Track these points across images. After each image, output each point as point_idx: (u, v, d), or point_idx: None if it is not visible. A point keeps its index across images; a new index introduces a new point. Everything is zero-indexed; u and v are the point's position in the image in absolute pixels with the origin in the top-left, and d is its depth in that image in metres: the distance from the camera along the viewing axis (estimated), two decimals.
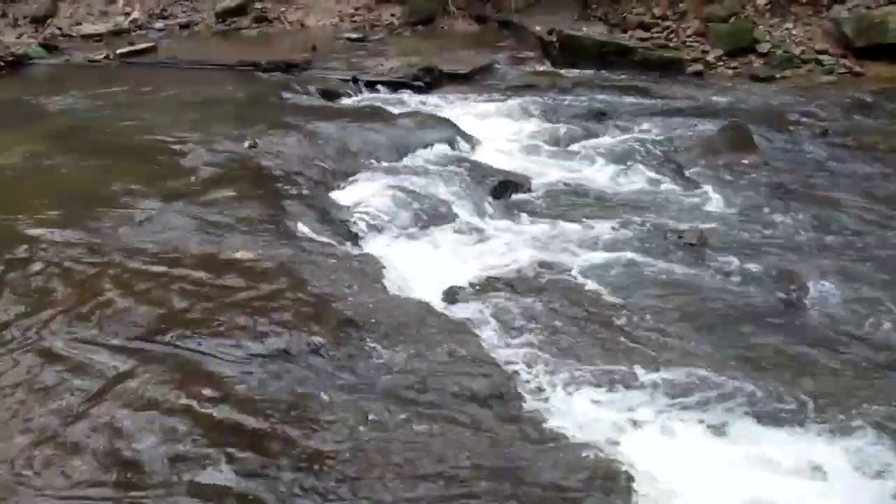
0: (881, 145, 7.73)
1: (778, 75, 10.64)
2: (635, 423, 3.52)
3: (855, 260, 5.31)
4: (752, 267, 5.09)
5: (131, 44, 12.62)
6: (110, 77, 10.57)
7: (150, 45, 12.62)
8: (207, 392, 3.33)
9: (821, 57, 10.88)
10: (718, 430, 3.50)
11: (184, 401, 3.27)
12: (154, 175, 5.97)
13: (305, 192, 5.89)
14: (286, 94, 9.25)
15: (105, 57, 11.90)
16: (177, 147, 6.61)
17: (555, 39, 11.65)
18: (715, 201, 6.37)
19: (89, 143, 7.03)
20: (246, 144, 6.65)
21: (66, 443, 3.01)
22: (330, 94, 9.56)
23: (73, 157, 6.57)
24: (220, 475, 2.91)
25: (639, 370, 3.89)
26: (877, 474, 3.25)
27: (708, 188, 6.61)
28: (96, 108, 8.39)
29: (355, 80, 10.22)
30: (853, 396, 3.74)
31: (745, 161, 7.20)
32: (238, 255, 4.62)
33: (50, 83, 10.47)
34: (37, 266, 4.41)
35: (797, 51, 11.03)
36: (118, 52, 12.00)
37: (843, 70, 10.62)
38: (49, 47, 12.44)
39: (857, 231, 5.82)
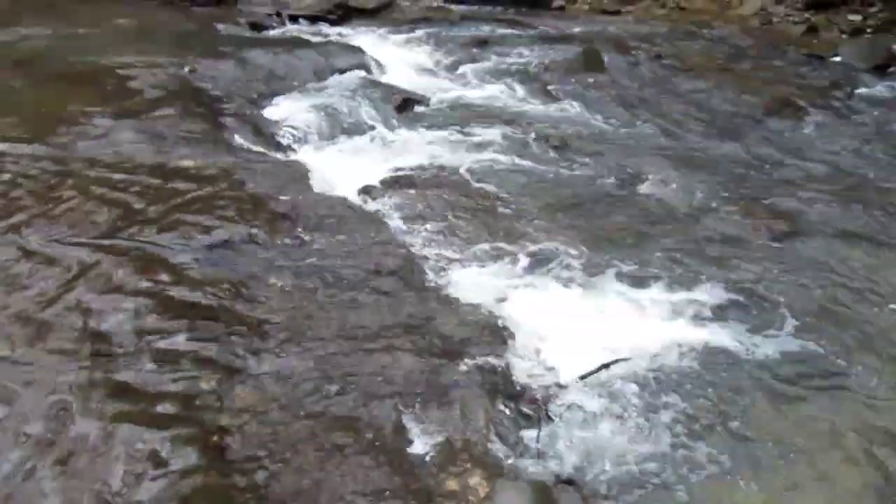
0: (699, 66, 7.88)
1: (623, 9, 10.63)
2: (514, 288, 3.60)
3: (682, 156, 5.47)
4: (603, 163, 5.19)
5: None
6: (57, 9, 9.62)
7: None
8: (164, 277, 3.21)
9: None
10: (580, 289, 3.62)
11: (144, 284, 3.13)
12: (105, 96, 5.53)
13: (240, 109, 5.58)
14: (218, 26, 8.64)
15: None
16: (124, 72, 6.12)
17: None
18: (574, 112, 6.41)
19: (44, 69, 6.41)
20: (185, 69, 6.23)
21: (43, 322, 2.86)
22: (257, 26, 8.99)
23: (31, 82, 6.00)
24: (180, 342, 2.83)
25: (517, 247, 3.96)
26: (696, 314, 3.46)
27: (568, 101, 6.62)
28: (48, 38, 7.62)
29: (279, 14, 9.63)
30: (682, 259, 3.92)
31: (597, 79, 7.23)
32: (184, 163, 4.39)
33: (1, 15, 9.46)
34: (6, 176, 4.06)
35: None
36: None
37: (673, 5, 10.68)
38: None
39: (684, 133, 5.99)
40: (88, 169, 4.24)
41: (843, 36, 9.15)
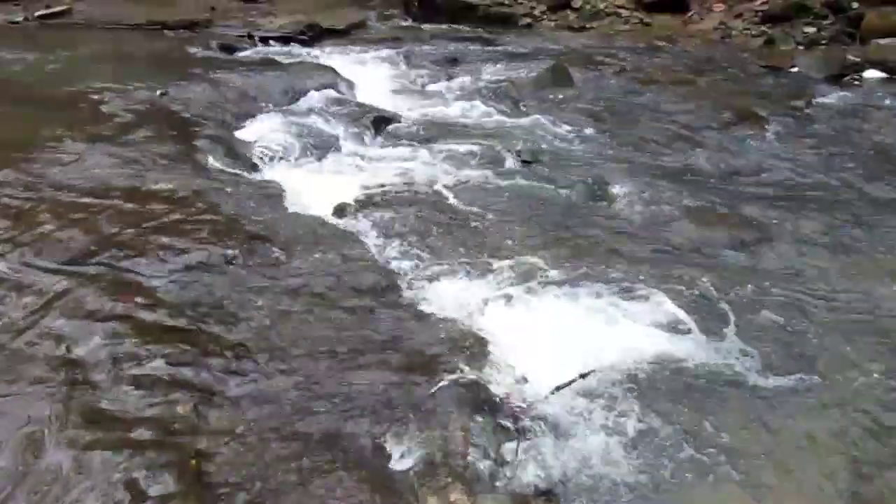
0: (663, 79, 7.99)
1: (588, 26, 10.75)
2: (488, 301, 3.56)
3: (647, 168, 5.51)
4: (572, 176, 5.21)
5: (48, 6, 11.24)
6: (31, 37, 9.48)
7: (66, 7, 11.27)
8: (139, 301, 3.15)
9: (619, 11, 11.04)
10: (553, 302, 3.58)
11: (119, 309, 3.08)
12: (78, 121, 5.45)
13: (212, 131, 5.53)
14: (191, 49, 8.59)
15: (24, 19, 10.61)
16: (97, 97, 6.05)
17: None
18: (543, 126, 6.43)
19: (17, 95, 6.32)
20: (158, 93, 6.17)
21: (16, 350, 2.79)
22: (229, 48, 8.93)
23: (3, 108, 5.92)
24: (156, 367, 2.78)
25: (490, 260, 3.93)
26: (668, 324, 3.45)
27: (538, 116, 6.65)
28: (20, 64, 7.50)
29: (250, 36, 9.59)
30: (652, 270, 3.92)
31: (565, 94, 7.29)
32: (158, 186, 4.33)
33: None
34: None
35: (602, 6, 11.14)
36: (36, 14, 10.72)
37: (636, 21, 10.83)
38: None
39: (649, 145, 6.04)
40: (61, 194, 4.17)
41: (800, 47, 9.35)
